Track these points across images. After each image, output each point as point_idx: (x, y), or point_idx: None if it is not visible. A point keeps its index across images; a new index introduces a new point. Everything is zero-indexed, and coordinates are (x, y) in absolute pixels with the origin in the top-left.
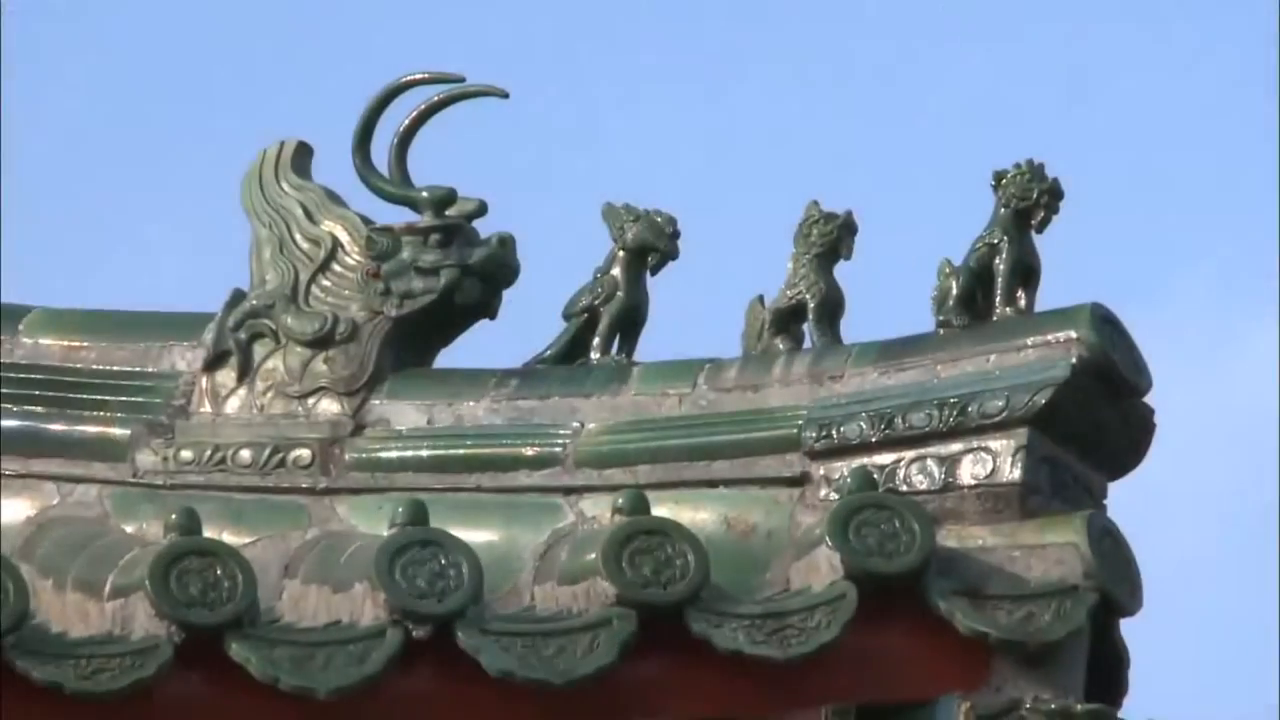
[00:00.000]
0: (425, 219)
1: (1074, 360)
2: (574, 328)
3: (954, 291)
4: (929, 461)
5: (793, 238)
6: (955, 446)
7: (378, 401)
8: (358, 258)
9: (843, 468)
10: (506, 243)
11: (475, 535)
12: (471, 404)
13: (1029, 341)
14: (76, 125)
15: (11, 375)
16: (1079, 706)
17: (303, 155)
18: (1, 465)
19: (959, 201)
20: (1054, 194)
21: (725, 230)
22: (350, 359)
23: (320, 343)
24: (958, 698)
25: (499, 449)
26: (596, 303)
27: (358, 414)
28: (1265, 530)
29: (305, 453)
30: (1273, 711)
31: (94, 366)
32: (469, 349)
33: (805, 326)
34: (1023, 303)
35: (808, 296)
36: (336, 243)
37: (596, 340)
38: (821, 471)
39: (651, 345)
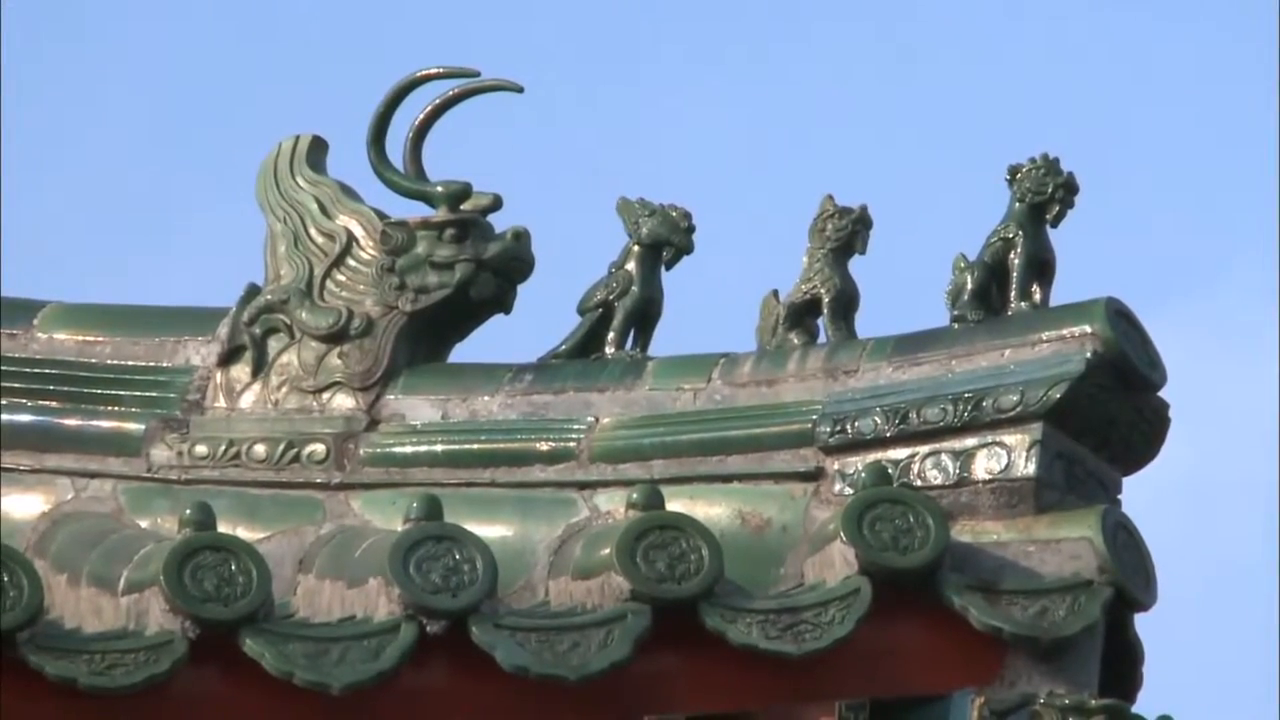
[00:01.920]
0: (440, 213)
1: (1089, 355)
2: (589, 322)
3: (969, 286)
4: (943, 456)
5: (807, 232)
6: (970, 441)
7: (392, 396)
8: (373, 252)
9: (857, 463)
10: (521, 237)
11: (489, 530)
12: (486, 399)
13: (1044, 336)
14: (92, 122)
15: (26, 370)
16: (1093, 701)
17: (317, 150)
18: (18, 460)
19: (974, 196)
20: (1069, 188)
21: (740, 225)
22: (365, 354)
23: (335, 337)
24: (971, 693)
25: (513, 444)
26: (611, 297)
27: (372, 409)
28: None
29: (320, 448)
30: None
31: (109, 361)
32: (483, 344)
33: (820, 321)
34: (1037, 297)
35: (822, 291)
36: (351, 237)
37: (611, 335)
38: (836, 466)
39: (665, 340)
